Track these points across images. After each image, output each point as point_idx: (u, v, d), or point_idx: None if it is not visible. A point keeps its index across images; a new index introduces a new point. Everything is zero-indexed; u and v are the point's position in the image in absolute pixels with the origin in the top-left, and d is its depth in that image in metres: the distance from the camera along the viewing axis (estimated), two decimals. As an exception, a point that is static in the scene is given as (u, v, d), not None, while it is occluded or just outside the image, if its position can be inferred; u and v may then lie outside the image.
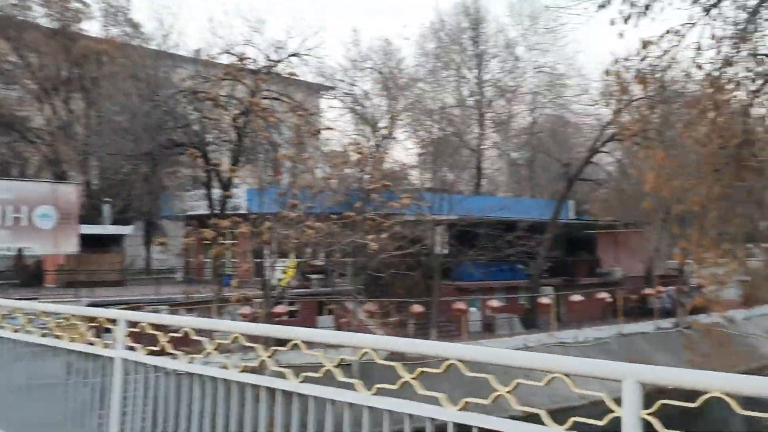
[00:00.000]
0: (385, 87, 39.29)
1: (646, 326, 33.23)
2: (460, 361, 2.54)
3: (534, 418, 2.41)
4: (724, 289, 25.40)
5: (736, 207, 15.59)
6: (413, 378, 2.65)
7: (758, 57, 13.12)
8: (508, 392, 2.45)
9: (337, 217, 21.56)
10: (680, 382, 2.15)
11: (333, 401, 2.86)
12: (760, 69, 13.17)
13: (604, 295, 33.61)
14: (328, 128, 26.09)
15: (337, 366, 2.89)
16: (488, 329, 30.47)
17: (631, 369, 2.21)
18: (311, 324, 27.91)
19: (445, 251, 29.64)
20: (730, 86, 13.33)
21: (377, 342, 2.91)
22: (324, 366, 2.95)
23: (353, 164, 25.98)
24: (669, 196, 15.28)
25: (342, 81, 39.73)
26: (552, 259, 33.96)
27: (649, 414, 2.17)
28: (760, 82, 13.13)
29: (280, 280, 24.04)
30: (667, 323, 34.05)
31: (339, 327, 26.30)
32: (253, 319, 22.65)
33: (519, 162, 47.01)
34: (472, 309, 30.40)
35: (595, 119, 39.96)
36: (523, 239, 29.03)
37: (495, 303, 31.30)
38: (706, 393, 2.07)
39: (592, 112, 41.30)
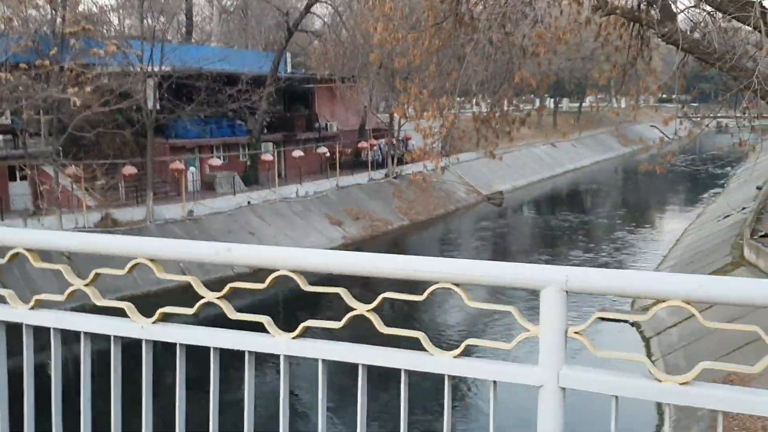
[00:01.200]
0: None
1: (361, 178, 34.94)
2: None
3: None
4: (436, 141, 27.20)
5: (451, 62, 16.01)
6: None
7: None
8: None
9: (26, 67, 18.33)
10: (622, 288, 1.55)
11: None
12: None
13: (322, 149, 34.26)
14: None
15: None
16: (209, 188, 29.46)
17: (554, 274, 1.55)
18: (3, 193, 24.35)
19: (158, 107, 27.31)
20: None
21: None
22: None
23: (40, 4, 22.05)
24: (392, 48, 15.24)
25: None
26: (271, 114, 33.32)
27: (577, 333, 1.56)
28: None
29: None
30: (378, 174, 36.15)
31: (38, 194, 23.30)
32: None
33: (230, 10, 44.44)
34: (192, 168, 28.95)
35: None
36: (244, 93, 27.79)
37: (215, 161, 30.18)
38: (665, 300, 1.49)
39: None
